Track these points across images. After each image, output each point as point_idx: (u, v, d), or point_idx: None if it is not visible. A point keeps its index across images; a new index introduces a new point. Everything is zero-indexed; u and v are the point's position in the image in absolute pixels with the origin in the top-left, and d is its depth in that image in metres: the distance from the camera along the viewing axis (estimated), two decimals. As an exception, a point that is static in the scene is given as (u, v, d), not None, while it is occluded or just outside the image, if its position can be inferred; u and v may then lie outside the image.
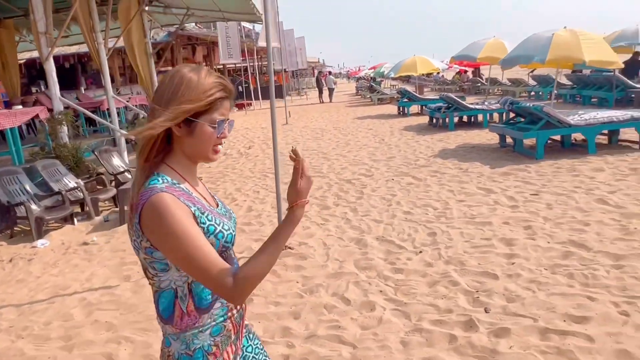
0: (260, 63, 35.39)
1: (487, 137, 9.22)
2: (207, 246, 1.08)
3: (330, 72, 34.32)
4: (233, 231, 1.22)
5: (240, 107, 22.98)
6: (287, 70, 31.31)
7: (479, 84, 21.01)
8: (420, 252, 4.04)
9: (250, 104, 24.71)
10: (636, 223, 4.17)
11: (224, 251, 1.18)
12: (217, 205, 1.27)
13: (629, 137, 7.49)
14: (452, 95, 11.47)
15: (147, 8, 10.39)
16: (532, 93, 17.13)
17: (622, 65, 9.53)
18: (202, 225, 1.12)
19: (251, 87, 24.69)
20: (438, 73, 30.07)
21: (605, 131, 7.34)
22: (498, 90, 20.18)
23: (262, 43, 12.95)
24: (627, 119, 6.86)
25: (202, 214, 1.14)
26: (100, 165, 7.10)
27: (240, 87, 23.04)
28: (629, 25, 13.75)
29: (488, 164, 6.94)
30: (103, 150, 7.10)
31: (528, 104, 7.49)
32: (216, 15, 12.23)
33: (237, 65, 24.62)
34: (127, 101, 10.78)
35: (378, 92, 21.21)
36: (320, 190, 6.38)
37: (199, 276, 1.08)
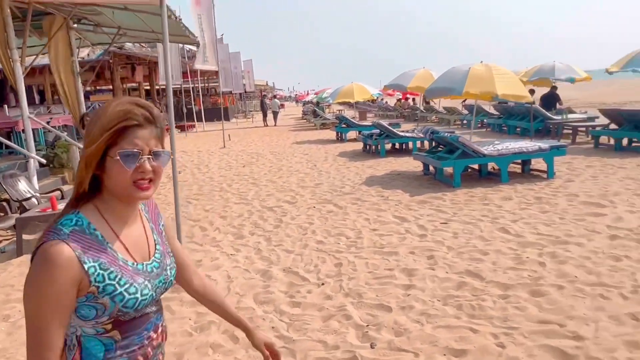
0: (206, 85, 35.07)
1: (414, 164, 9.49)
2: (53, 326, 1.00)
3: (275, 96, 34.52)
4: (142, 296, 1.09)
5: (181, 129, 22.50)
6: (233, 92, 31.19)
7: (418, 112, 21.82)
8: (323, 284, 4.00)
9: (193, 126, 24.28)
10: (530, 252, 4.36)
11: (121, 316, 1.06)
12: (149, 258, 1.15)
13: (540, 167, 7.94)
14: (383, 122, 11.79)
15: (75, 26, 10.01)
16: (465, 122, 17.98)
17: (532, 99, 10.19)
18: (95, 284, 1.02)
19: (194, 108, 24.31)
20: (382, 99, 31.05)
21: (519, 161, 7.76)
22: (435, 118, 21.03)
23: (198, 65, 12.79)
24: (535, 150, 7.28)
25: (104, 270, 1.04)
26: (4, 191, 6.60)
27: (182, 109, 22.62)
28: (547, 61, 14.84)
29: (409, 192, 7.11)
30: (8, 174, 6.62)
31: (445, 134, 7.80)
32: (150, 36, 11.94)
33: (182, 86, 24.18)
34: (48, 122, 10.21)
35: (321, 117, 21.50)
36: (240, 219, 6.26)
37: (27, 345, 1.02)
